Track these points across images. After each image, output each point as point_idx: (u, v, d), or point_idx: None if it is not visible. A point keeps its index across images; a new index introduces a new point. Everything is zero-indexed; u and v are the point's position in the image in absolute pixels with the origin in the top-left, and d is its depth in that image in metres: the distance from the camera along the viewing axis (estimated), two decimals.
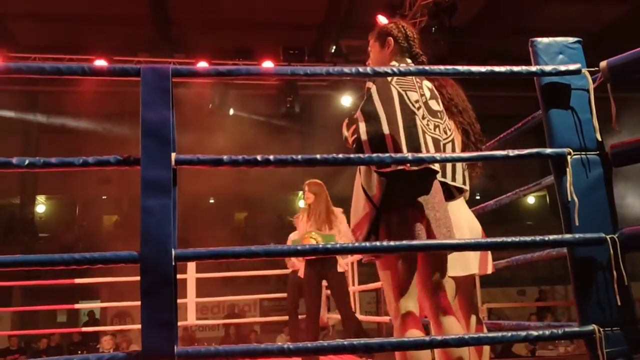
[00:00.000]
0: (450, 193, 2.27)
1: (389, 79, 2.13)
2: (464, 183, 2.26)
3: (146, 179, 1.64)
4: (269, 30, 11.86)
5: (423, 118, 2.11)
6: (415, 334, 1.95)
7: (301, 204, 17.49)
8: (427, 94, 2.22)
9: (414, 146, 2.02)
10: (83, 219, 16.52)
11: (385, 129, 2.03)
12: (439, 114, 2.21)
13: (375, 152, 1.99)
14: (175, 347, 1.54)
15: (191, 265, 6.73)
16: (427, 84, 2.25)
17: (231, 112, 12.54)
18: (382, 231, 2.05)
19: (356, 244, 1.76)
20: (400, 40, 2.28)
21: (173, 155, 1.68)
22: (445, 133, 2.20)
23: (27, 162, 1.66)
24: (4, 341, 11.46)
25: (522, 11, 11.81)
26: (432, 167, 2.07)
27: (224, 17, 11.59)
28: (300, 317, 6.59)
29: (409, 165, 1.99)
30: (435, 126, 2.16)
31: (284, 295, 7.15)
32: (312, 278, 4.72)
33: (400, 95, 2.10)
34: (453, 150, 2.20)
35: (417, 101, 2.12)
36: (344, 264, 4.51)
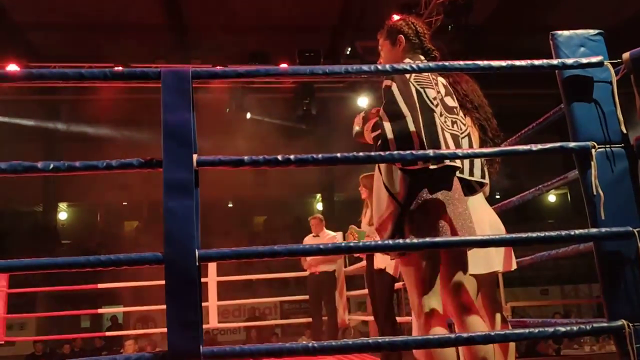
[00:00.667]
0: (471, 188, 2.25)
1: (408, 76, 2.12)
2: (483, 177, 2.24)
3: (168, 181, 1.65)
4: (284, 34, 11.90)
5: (441, 115, 2.11)
6: (439, 332, 1.93)
7: (319, 206, 17.54)
8: (443, 90, 2.21)
9: (434, 144, 2.01)
10: (104, 225, 16.72)
11: (412, 127, 2.02)
12: (454, 109, 2.21)
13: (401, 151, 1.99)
14: (200, 347, 1.55)
15: (212, 269, 6.78)
16: (441, 80, 2.24)
17: (248, 116, 12.60)
18: (407, 229, 2.04)
19: (380, 242, 1.76)
20: (411, 37, 2.27)
21: (195, 156, 1.69)
22: (461, 128, 2.19)
23: (51, 166, 1.68)
24: (29, 346, 11.63)
25: (538, 7, 11.69)
26: (453, 163, 2.06)
27: (238, 22, 11.66)
28: (323, 318, 6.60)
29: (430, 163, 1.99)
30: (453, 122, 2.15)
31: (304, 297, 7.15)
32: (368, 275, 4.73)
33: (418, 93, 2.09)
34: (470, 144, 2.18)
35: (434, 98, 2.11)
36: (381, 261, 4.45)
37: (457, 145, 2.10)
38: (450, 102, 2.21)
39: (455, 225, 2.03)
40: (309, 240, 6.67)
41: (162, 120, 1.69)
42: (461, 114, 2.25)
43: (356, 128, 2.26)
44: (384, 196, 2.10)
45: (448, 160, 2.02)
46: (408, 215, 2.04)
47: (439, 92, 2.17)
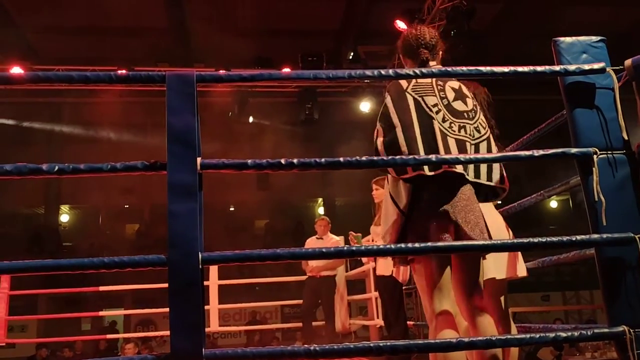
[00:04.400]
0: (494, 193, 2.21)
1: (404, 87, 2.15)
2: (502, 181, 2.18)
3: (173, 184, 1.66)
4: (287, 38, 11.93)
5: (444, 121, 2.10)
6: (448, 334, 1.93)
7: (321, 210, 17.53)
8: (451, 95, 2.18)
9: (432, 151, 2.02)
10: (106, 228, 16.73)
11: (401, 139, 2.05)
12: (466, 114, 2.16)
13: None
14: (203, 349, 1.56)
15: (213, 272, 6.78)
16: (452, 84, 2.21)
17: (251, 120, 12.62)
18: (408, 238, 2.07)
19: (381, 246, 1.77)
20: (407, 54, 2.32)
21: (198, 159, 1.71)
22: (478, 132, 2.15)
23: (56, 168, 1.69)
24: (30, 348, 11.62)
25: (541, 14, 11.72)
26: (456, 169, 2.04)
27: (241, 26, 11.70)
28: (314, 323, 6.58)
29: (427, 169, 1.99)
30: (461, 127, 2.12)
31: None
32: (377, 281, 4.75)
33: (416, 102, 2.11)
34: (489, 148, 2.15)
35: (435, 105, 2.12)
36: (384, 268, 4.46)
37: (463, 151, 2.08)
38: (461, 106, 2.17)
39: (465, 231, 2.02)
40: (312, 242, 6.64)
41: (166, 123, 1.70)
42: (480, 117, 2.20)
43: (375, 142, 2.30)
44: (390, 206, 2.13)
45: (447, 166, 2.00)
46: (410, 224, 2.07)
47: (444, 97, 2.15)
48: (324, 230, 6.62)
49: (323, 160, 1.79)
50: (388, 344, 1.64)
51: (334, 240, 6.60)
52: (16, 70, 9.42)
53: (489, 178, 2.15)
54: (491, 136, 2.20)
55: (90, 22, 11.49)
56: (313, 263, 6.41)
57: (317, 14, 11.63)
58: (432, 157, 1.90)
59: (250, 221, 17.20)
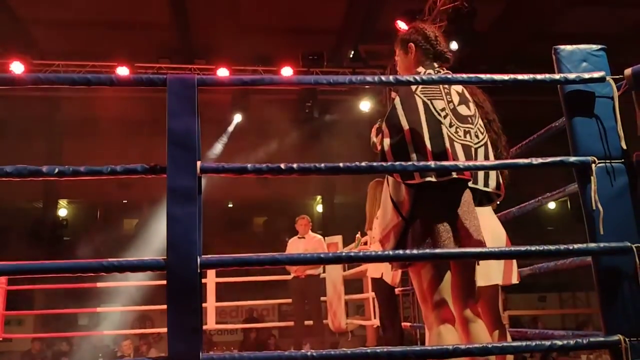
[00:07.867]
0: (488, 198, 2.22)
1: (413, 88, 2.13)
2: (498, 188, 2.20)
3: (172, 188, 1.67)
4: (288, 36, 11.91)
5: (450, 126, 2.09)
6: (451, 339, 1.92)
7: (319, 208, 17.53)
8: (456, 99, 2.18)
9: (441, 157, 2.00)
10: (104, 223, 16.72)
11: (410, 143, 2.03)
12: (469, 118, 2.16)
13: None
14: (200, 353, 1.56)
15: (211, 270, 6.78)
16: (456, 88, 2.21)
17: (250, 117, 12.61)
18: (409, 243, 2.05)
19: (379, 252, 1.77)
20: (421, 43, 2.27)
21: (198, 163, 1.71)
22: (477, 137, 2.15)
23: (56, 170, 1.70)
24: (26, 343, 11.63)
25: (542, 15, 11.70)
26: (462, 176, 2.03)
27: (243, 23, 11.68)
28: (306, 322, 6.61)
29: (435, 176, 1.98)
30: (466, 132, 2.12)
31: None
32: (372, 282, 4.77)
33: (425, 105, 2.09)
34: (486, 153, 2.15)
35: (443, 109, 2.10)
36: (375, 270, 4.47)
37: (469, 156, 2.07)
38: (465, 110, 2.17)
39: (462, 238, 2.02)
40: (294, 242, 6.66)
41: (167, 126, 1.71)
42: (479, 122, 2.21)
43: (372, 139, 2.28)
44: (390, 208, 2.11)
45: (455, 173, 1.99)
46: (411, 228, 2.05)
47: (450, 101, 2.15)
48: (305, 229, 6.65)
49: (323, 165, 1.80)
50: (385, 350, 1.64)
51: (317, 239, 6.63)
52: (16, 65, 9.40)
53: (486, 184, 2.16)
54: (488, 141, 2.21)
55: (92, 15, 11.44)
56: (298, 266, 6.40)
57: (319, 12, 11.60)
58: (431, 163, 1.91)
59: (249, 218, 17.21)
